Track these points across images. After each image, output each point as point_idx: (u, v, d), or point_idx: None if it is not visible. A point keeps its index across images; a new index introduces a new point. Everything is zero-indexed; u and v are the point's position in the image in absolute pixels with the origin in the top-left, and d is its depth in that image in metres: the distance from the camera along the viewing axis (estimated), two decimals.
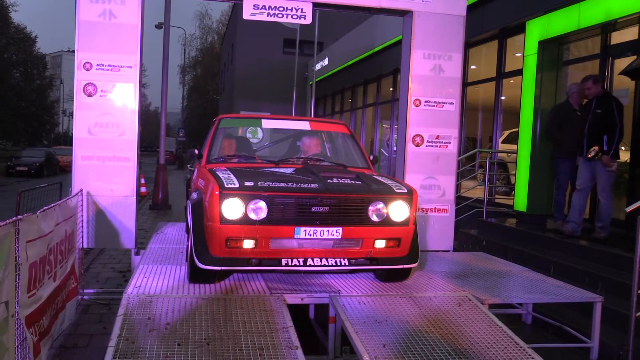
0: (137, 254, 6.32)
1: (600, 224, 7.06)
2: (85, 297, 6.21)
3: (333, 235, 4.40)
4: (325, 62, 24.09)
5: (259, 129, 7.14)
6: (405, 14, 6.79)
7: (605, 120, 6.84)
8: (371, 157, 5.92)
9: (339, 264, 4.49)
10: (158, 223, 7.90)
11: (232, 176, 4.55)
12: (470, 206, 10.28)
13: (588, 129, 7.02)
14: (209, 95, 55.88)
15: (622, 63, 8.14)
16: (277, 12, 6.30)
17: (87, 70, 6.10)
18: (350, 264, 4.53)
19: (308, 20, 6.39)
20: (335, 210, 4.42)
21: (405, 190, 4.65)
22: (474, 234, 8.98)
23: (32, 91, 47.25)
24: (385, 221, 4.54)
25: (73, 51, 6.31)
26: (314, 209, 4.36)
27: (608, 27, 8.11)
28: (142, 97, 6.91)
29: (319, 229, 4.37)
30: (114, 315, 4.06)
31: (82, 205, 5.94)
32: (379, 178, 5.00)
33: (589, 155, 6.84)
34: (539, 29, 9.21)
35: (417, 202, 4.75)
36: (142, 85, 6.42)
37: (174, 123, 71.53)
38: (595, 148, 6.80)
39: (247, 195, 4.27)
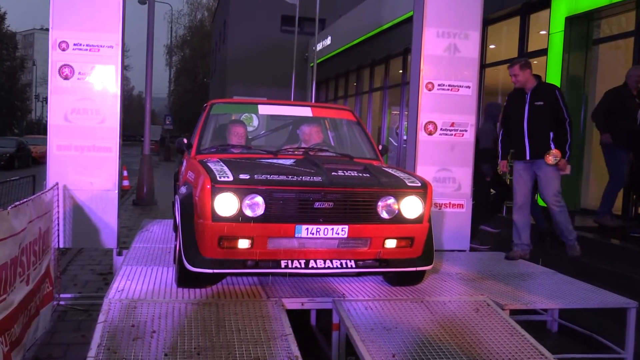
0: (119, 254, 6.31)
1: (570, 236, 6.52)
2: (61, 302, 6.21)
3: (338, 234, 4.39)
4: (328, 41, 24.06)
5: (254, 115, 7.12)
6: None
7: (549, 115, 6.27)
8: (380, 147, 5.91)
9: (344, 265, 4.47)
10: (143, 220, 7.90)
11: (225, 168, 4.53)
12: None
13: (528, 126, 6.38)
14: (199, 79, 55.88)
15: None
16: None
17: (63, 50, 6.08)
18: (357, 266, 4.52)
19: None
20: (341, 206, 4.40)
21: (419, 184, 4.64)
22: (492, 232, 8.95)
23: (1, 74, 47.22)
24: (397, 218, 4.52)
25: (47, 29, 6.30)
26: (316, 204, 4.35)
27: None
28: (125, 80, 6.91)
29: (322, 227, 4.35)
30: (94, 322, 4.05)
31: (58, 201, 5.93)
32: (390, 170, 4.99)
33: (550, 162, 6.19)
34: (566, 3, 9.18)
35: (432, 197, 4.73)
36: (124, 67, 6.40)
37: (160, 109, 71.59)
38: (557, 153, 6.19)
39: (242, 189, 4.26)
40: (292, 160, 5.07)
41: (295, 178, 4.41)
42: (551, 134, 6.25)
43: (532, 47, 10.94)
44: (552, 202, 6.35)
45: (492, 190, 8.44)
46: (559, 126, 6.24)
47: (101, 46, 6.13)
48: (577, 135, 9.32)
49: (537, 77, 6.46)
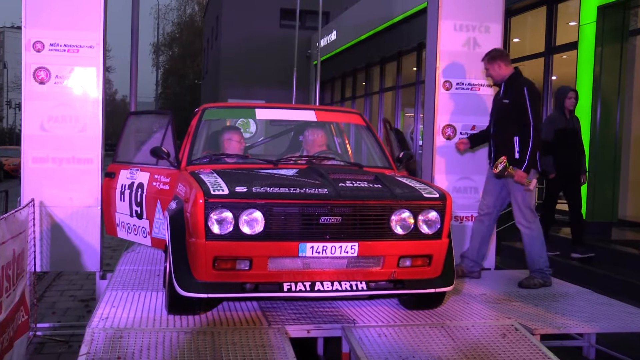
0: (102, 278, 6.32)
1: (534, 266, 6.11)
2: (38, 332, 6.20)
3: (347, 252, 4.39)
4: (333, 36, 24.11)
5: (251, 120, 7.14)
6: None
7: (515, 116, 5.89)
8: (402, 154, 5.87)
9: (355, 288, 4.46)
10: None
11: (219, 180, 4.54)
12: None
13: (494, 127, 6.15)
14: (189, 80, 56.04)
15: None
16: None
17: (38, 51, 6.11)
18: (369, 288, 4.51)
19: None
20: (350, 221, 4.40)
21: (437, 195, 4.64)
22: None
23: None
24: (413, 234, 4.52)
25: (19, 27, 6.34)
26: (322, 220, 4.35)
27: None
28: (107, 83, 6.97)
29: (329, 244, 4.35)
30: (75, 354, 4.05)
31: (33, 219, 5.94)
32: (404, 180, 4.99)
33: (496, 171, 5.81)
34: None
35: (452, 210, 4.73)
36: (106, 69, 6.43)
37: None
38: (503, 159, 5.77)
39: (239, 203, 4.26)
40: (294, 171, 5.07)
41: (298, 190, 4.42)
42: (516, 139, 5.88)
43: (560, 40, 10.95)
44: (518, 221, 6.07)
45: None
46: (523, 130, 5.85)
47: (80, 46, 6.15)
48: (611, 140, 9.32)
49: (515, 70, 6.13)
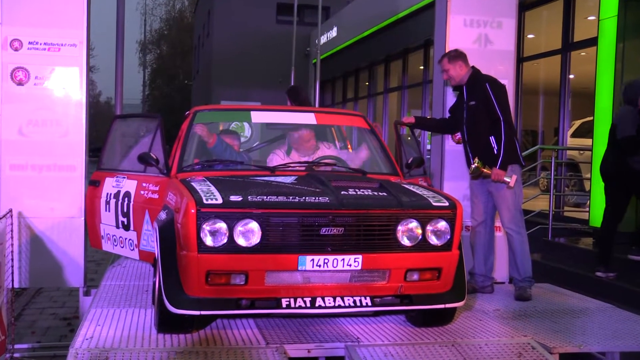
0: (86, 294, 6.31)
1: (524, 274, 6.11)
2: (16, 354, 6.20)
3: (350, 265, 4.38)
4: (333, 33, 24.16)
5: (246, 124, 7.14)
6: None
7: (485, 116, 5.99)
8: (410, 160, 5.87)
9: (359, 304, 4.46)
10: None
11: (212, 188, 4.54)
12: (531, 222, 10.23)
13: (467, 131, 6.21)
14: (179, 81, 56.13)
15: None
16: None
17: (16, 50, 6.12)
18: (374, 304, 4.50)
19: None
20: (353, 232, 4.40)
21: (447, 204, 4.65)
22: (537, 259, 8.94)
23: None
24: (421, 245, 4.52)
25: None
26: (323, 230, 4.35)
27: None
28: (90, 84, 6.98)
29: (331, 257, 4.35)
30: None
31: (11, 231, 5.94)
32: (411, 187, 5.00)
33: (471, 174, 5.99)
34: None
35: (463, 219, 4.73)
36: (89, 69, 6.44)
37: None
38: (476, 160, 5.88)
39: (234, 213, 4.26)
40: (293, 178, 5.08)
41: (297, 199, 4.42)
42: (492, 139, 5.96)
43: (578, 36, 10.96)
44: (507, 226, 6.11)
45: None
46: (496, 128, 5.94)
47: (62, 45, 6.16)
48: None
49: (473, 69, 6.18)
